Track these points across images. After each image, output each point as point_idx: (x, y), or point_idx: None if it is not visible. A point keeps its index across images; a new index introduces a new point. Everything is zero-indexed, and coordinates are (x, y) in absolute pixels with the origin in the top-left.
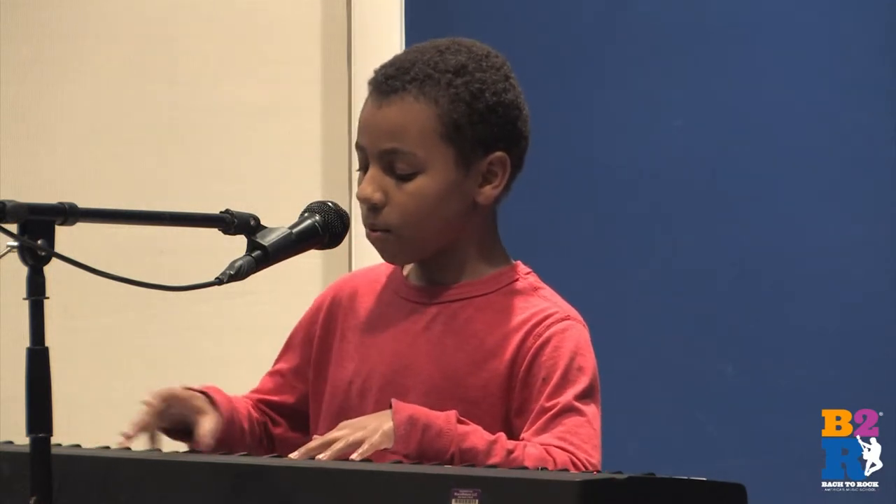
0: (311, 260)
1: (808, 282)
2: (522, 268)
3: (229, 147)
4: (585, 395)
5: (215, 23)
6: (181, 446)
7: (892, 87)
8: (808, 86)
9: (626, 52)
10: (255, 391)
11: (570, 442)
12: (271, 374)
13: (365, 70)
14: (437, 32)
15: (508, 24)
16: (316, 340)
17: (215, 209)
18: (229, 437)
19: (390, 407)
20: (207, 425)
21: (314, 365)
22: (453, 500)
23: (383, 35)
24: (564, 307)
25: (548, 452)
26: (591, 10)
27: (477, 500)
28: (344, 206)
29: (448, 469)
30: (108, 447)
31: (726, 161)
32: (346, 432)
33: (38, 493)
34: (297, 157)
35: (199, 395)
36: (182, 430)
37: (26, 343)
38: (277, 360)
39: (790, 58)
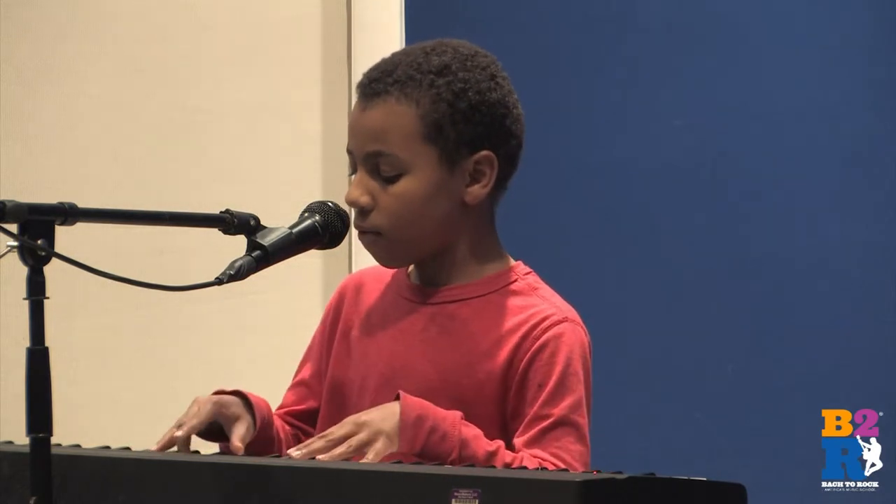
0: (311, 260)
1: (809, 282)
2: (522, 268)
3: (229, 147)
4: (580, 406)
5: (215, 23)
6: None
7: (893, 87)
8: (808, 86)
9: (627, 52)
10: (280, 407)
11: (564, 460)
12: (292, 387)
13: (365, 70)
14: (437, 32)
15: (508, 24)
16: (327, 339)
17: (215, 209)
18: (265, 439)
19: (397, 398)
20: (240, 430)
21: (326, 362)
22: (453, 500)
23: (383, 35)
24: (563, 308)
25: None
26: (592, 10)
27: (477, 500)
28: (344, 206)
29: (448, 469)
30: (108, 447)
31: (726, 161)
32: (349, 430)
33: (38, 493)
34: (297, 157)
35: (234, 400)
36: (212, 430)
37: (26, 343)
38: (296, 373)
39: (791, 57)
